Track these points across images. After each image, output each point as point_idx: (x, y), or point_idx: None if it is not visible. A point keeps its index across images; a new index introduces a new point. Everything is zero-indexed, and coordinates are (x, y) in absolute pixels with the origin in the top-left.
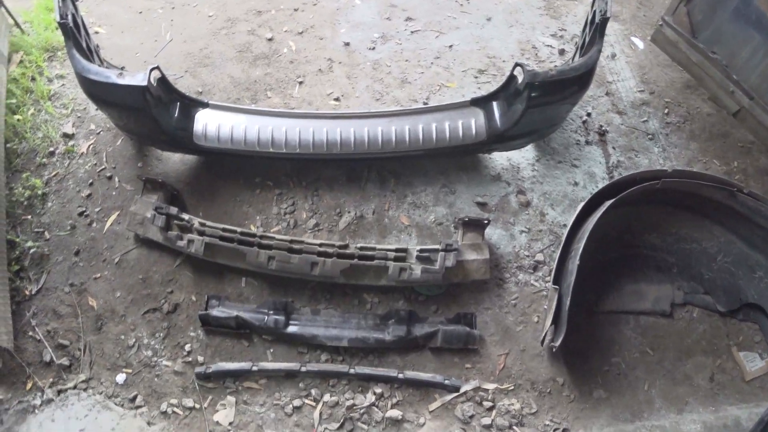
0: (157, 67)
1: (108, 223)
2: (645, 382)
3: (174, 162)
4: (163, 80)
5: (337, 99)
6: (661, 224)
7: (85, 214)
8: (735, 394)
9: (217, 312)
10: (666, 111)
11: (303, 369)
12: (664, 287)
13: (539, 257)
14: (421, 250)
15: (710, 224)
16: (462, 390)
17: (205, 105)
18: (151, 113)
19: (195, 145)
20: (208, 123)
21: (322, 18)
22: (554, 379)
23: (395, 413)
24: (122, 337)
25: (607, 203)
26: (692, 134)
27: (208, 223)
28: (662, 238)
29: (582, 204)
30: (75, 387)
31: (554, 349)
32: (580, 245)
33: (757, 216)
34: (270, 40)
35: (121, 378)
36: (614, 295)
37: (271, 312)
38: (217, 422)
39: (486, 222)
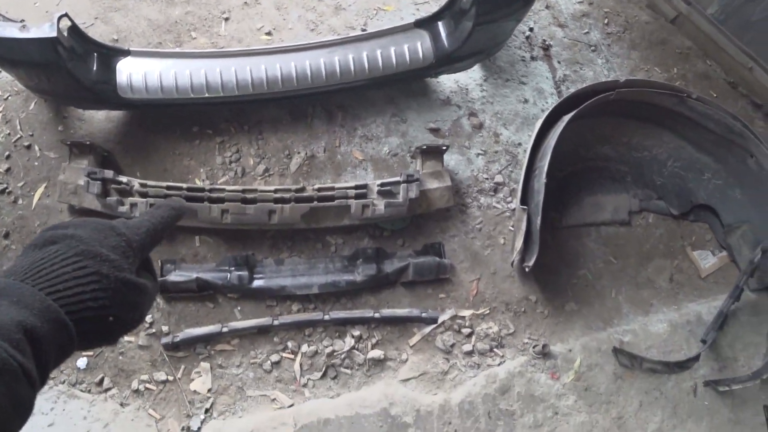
0: (66, 15)
1: (36, 198)
2: (612, 290)
3: (99, 120)
4: (74, 29)
5: (268, 33)
6: (613, 135)
7: (7, 191)
8: (693, 291)
9: (174, 276)
10: (606, 21)
11: (275, 323)
12: (621, 197)
13: (498, 178)
14: (381, 184)
15: (660, 131)
16: (440, 320)
17: (127, 53)
18: (66, 68)
19: (120, 98)
20: (132, 73)
21: None
22: (527, 297)
23: (376, 353)
24: None
25: (566, 118)
26: (632, 43)
27: (150, 182)
28: (615, 149)
29: (540, 121)
30: None
31: (528, 269)
32: (543, 163)
33: (706, 120)
34: None
35: (82, 362)
36: (575, 209)
37: (233, 268)
38: (195, 391)
39: (444, 148)
